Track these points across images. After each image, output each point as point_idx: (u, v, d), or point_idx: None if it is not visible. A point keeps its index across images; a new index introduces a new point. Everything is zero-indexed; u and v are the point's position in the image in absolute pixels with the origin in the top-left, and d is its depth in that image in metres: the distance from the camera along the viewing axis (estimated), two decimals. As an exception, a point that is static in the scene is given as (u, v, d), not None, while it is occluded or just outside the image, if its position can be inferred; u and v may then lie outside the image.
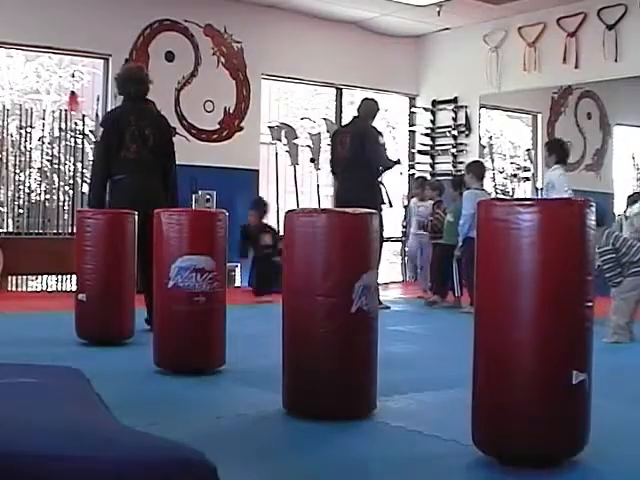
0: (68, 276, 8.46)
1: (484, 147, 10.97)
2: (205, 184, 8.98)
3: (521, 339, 2.53)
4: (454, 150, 10.97)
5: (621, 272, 5.47)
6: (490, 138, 11.31)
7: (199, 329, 4.06)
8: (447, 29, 10.81)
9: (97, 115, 8.83)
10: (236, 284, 9.11)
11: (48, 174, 9.10)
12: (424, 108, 11.33)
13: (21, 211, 8.82)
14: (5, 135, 8.65)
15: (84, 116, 9.07)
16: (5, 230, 8.73)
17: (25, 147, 8.79)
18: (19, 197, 8.80)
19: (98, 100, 9.09)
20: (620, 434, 3.04)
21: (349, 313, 3.11)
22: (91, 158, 8.11)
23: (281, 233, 8.16)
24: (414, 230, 8.86)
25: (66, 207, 8.95)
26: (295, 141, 10.13)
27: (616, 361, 4.74)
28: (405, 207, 10.45)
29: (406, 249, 10.04)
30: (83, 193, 8.67)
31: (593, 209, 2.59)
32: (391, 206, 7.66)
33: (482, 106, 10.77)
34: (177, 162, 5.75)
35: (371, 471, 2.71)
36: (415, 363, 4.67)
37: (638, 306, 5.56)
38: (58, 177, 9.02)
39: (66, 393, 2.35)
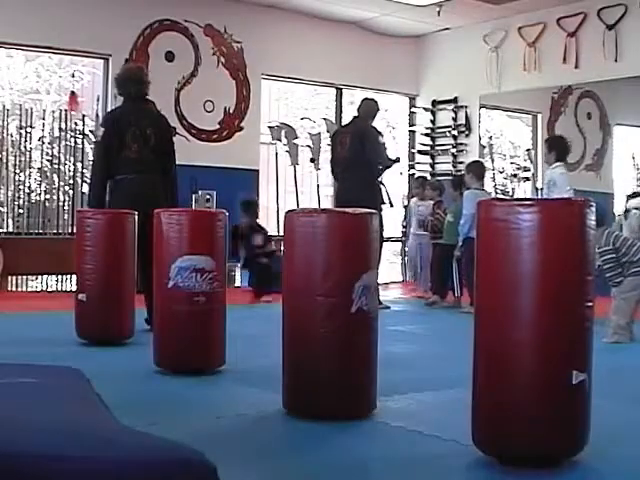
0: (68, 276, 8.46)
1: (484, 147, 10.96)
2: (205, 184, 8.98)
3: (521, 339, 2.53)
4: (454, 150, 10.97)
5: (621, 272, 5.47)
6: (490, 138, 11.31)
7: (199, 329, 4.06)
8: (447, 29, 10.81)
9: (97, 115, 8.84)
10: (236, 284, 9.11)
11: (48, 174, 9.11)
12: (424, 108, 11.33)
13: (21, 211, 8.83)
14: (5, 135, 8.65)
15: (84, 116, 9.08)
16: (5, 230, 8.73)
17: (25, 147, 8.79)
18: (19, 197, 8.81)
19: (98, 100, 9.10)
20: (620, 434, 3.04)
21: (349, 313, 3.11)
22: (91, 158, 8.10)
23: (271, 234, 8.26)
24: (414, 230, 8.85)
25: (66, 207, 8.95)
26: (295, 141, 10.13)
27: (616, 361, 4.74)
28: (405, 207, 10.43)
29: (406, 249, 10.03)
30: (83, 193, 8.67)
31: (593, 209, 2.59)
32: (391, 206, 7.66)
33: (482, 106, 10.77)
34: (177, 162, 5.77)
35: (371, 471, 2.71)
36: (415, 363, 4.67)
37: (638, 306, 5.56)
38: (58, 177, 9.02)
39: (66, 393, 2.34)
